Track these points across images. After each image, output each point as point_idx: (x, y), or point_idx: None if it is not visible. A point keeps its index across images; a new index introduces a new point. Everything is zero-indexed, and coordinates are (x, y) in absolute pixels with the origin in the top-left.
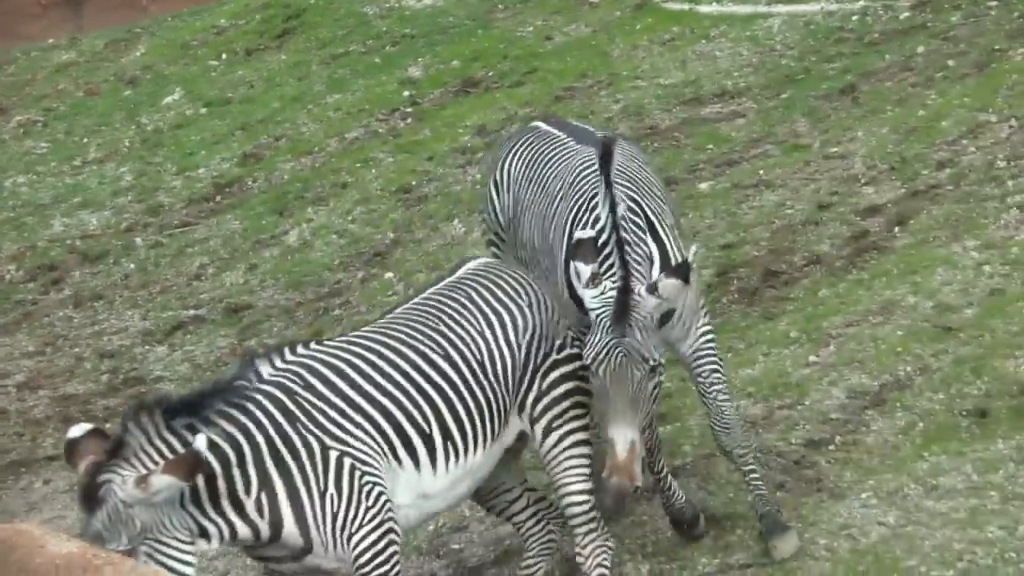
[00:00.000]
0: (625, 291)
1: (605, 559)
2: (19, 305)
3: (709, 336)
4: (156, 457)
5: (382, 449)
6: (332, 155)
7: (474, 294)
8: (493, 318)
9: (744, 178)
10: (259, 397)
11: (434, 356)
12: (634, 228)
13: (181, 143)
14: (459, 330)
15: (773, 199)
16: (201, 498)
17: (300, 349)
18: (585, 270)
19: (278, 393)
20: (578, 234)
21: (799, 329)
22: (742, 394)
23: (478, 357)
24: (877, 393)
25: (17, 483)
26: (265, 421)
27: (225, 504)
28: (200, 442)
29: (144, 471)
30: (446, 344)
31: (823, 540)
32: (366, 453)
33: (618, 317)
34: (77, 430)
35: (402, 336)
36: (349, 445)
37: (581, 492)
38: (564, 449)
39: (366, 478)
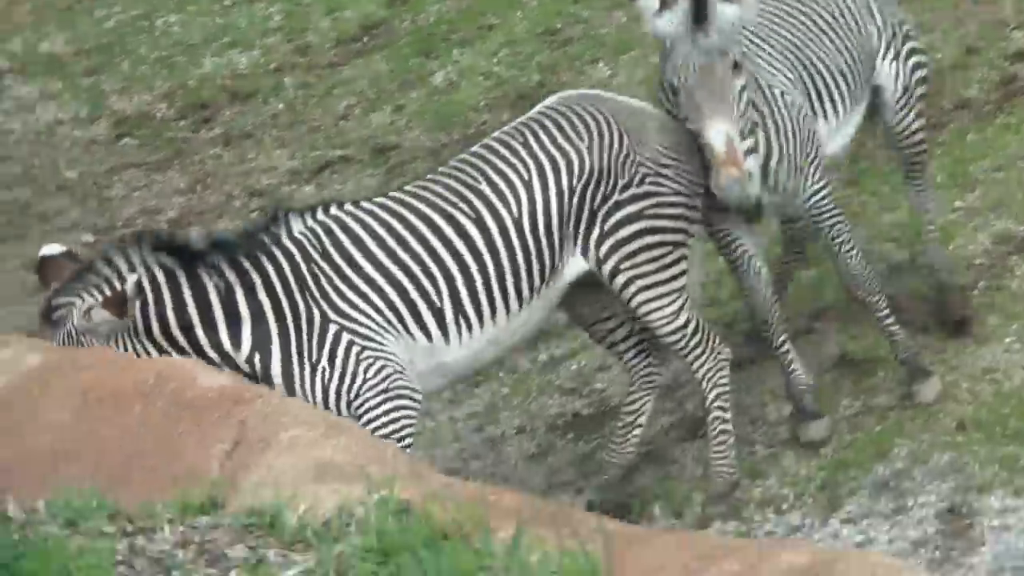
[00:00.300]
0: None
1: (721, 377)
2: (170, 143)
3: (823, 191)
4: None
5: (391, 323)
6: None
7: (530, 137)
8: (545, 162)
9: None
10: (279, 256)
11: (462, 219)
12: None
13: None
14: (500, 183)
15: (921, 42)
16: (178, 343)
17: (333, 210)
18: (651, 2)
19: (296, 256)
20: None
21: (945, 173)
22: (886, 238)
23: (514, 214)
24: (1023, 239)
25: None
26: (277, 284)
27: (211, 354)
28: (130, 281)
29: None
30: (479, 204)
31: (965, 384)
32: (369, 328)
33: (695, 24)
34: (50, 248)
35: (436, 198)
36: (352, 320)
37: (669, 322)
38: (638, 290)
39: (366, 352)
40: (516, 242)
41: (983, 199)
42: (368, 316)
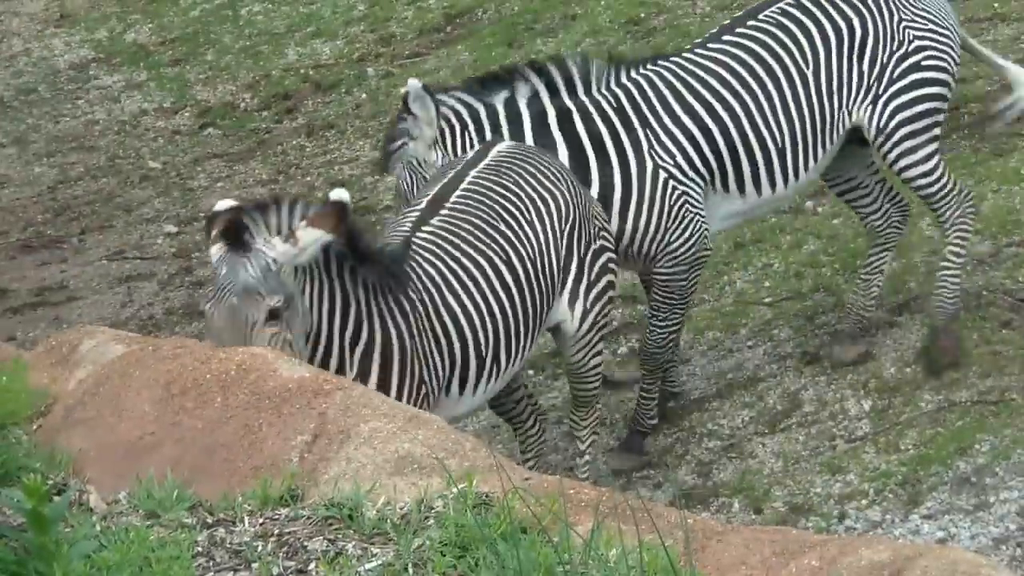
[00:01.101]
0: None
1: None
2: (253, 133)
3: (681, 257)
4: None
5: (440, 383)
6: None
7: (520, 179)
8: (541, 206)
9: (978, 11)
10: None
11: (499, 263)
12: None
13: None
14: (515, 225)
15: (1008, 33)
16: None
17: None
18: None
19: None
20: None
21: None
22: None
23: (531, 255)
24: None
25: None
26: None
27: None
28: (341, 193)
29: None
30: (506, 246)
31: None
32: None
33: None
34: (223, 203)
35: (470, 237)
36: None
37: (595, 388)
38: (593, 342)
39: None
40: (534, 280)
41: None
42: (437, 378)
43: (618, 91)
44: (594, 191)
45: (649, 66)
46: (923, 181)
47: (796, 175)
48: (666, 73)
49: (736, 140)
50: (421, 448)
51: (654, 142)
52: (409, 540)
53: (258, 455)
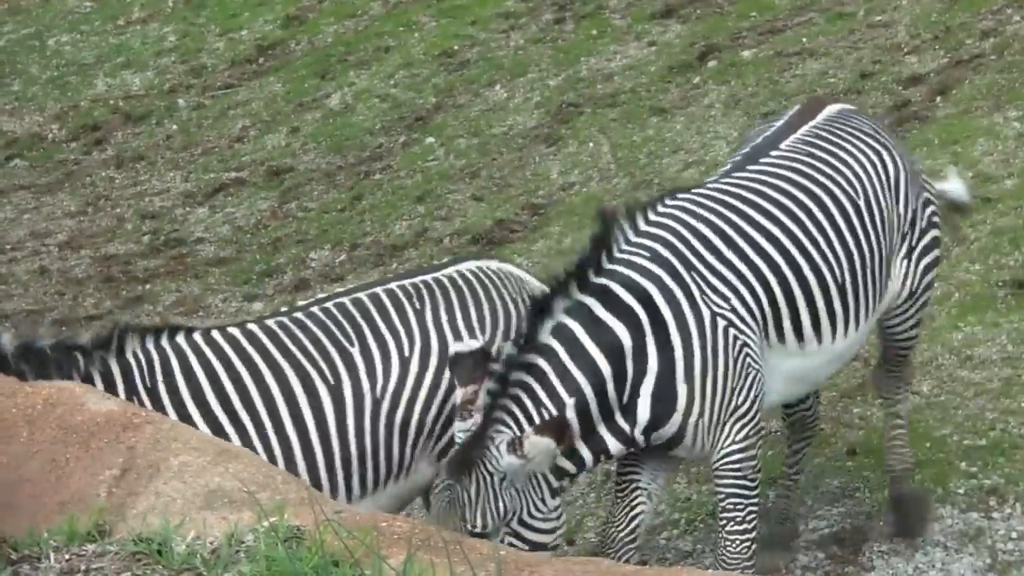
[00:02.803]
0: (476, 439)
1: None
2: (62, 165)
3: (739, 454)
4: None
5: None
6: (375, 18)
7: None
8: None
9: (787, 46)
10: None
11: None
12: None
13: (224, 4)
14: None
15: (816, 67)
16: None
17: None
18: (456, 395)
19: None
20: (454, 347)
21: None
22: None
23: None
24: None
25: None
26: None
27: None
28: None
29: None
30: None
31: (856, 409)
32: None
33: (456, 462)
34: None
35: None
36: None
37: None
38: None
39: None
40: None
41: None
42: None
43: (645, 240)
44: (652, 362)
45: (669, 202)
46: (913, 344)
47: (858, 321)
48: (695, 207)
49: (791, 280)
50: (232, 481)
51: (704, 287)
52: (219, 575)
53: (65, 490)
